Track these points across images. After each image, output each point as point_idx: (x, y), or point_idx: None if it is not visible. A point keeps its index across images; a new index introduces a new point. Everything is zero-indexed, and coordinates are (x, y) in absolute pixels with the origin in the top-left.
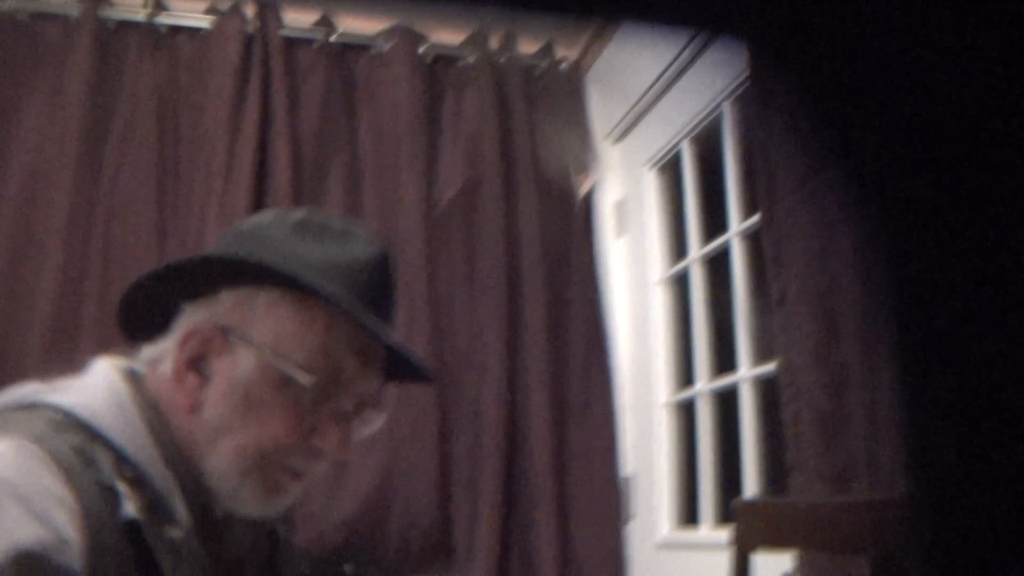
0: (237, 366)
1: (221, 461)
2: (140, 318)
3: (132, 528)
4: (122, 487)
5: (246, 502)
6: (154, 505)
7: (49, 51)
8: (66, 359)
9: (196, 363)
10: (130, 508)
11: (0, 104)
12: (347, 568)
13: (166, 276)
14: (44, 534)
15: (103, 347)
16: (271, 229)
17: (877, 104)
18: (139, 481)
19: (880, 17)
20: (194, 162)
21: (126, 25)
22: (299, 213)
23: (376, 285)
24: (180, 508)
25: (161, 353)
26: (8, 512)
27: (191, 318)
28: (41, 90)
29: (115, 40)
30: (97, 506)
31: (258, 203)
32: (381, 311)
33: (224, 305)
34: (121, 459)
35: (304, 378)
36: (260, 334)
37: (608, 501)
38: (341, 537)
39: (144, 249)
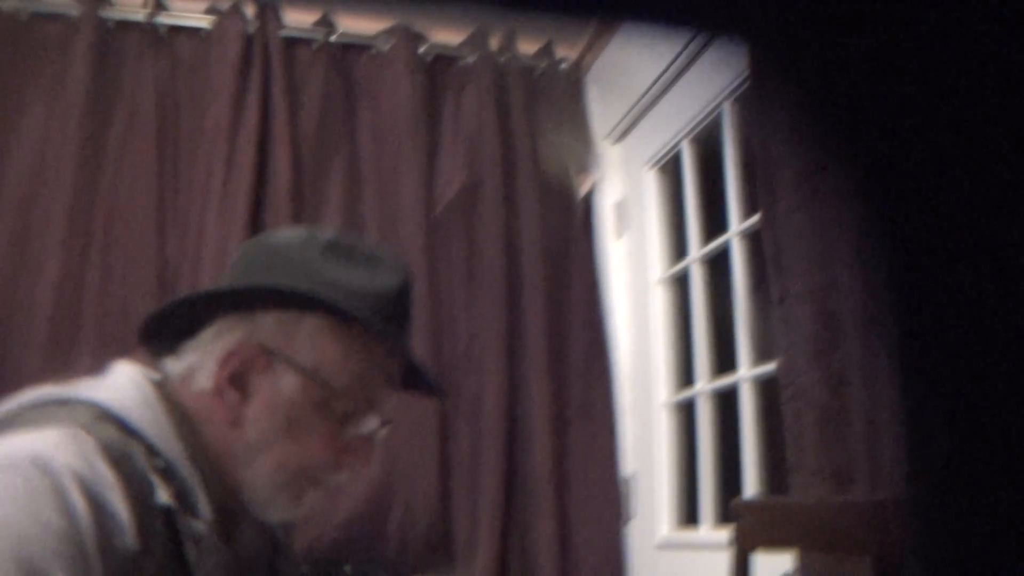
0: (279, 386)
1: (260, 474)
2: (162, 328)
3: (166, 515)
4: (154, 478)
5: (275, 510)
6: (180, 497)
7: (49, 51)
8: (66, 359)
9: (236, 380)
10: (163, 496)
11: (0, 104)
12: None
13: (207, 298)
14: (104, 517)
15: (103, 347)
16: (303, 251)
17: (877, 104)
18: (168, 473)
19: (880, 17)
20: (194, 162)
21: (126, 25)
22: (327, 234)
23: (402, 311)
24: (203, 503)
25: (192, 366)
26: (73, 496)
27: (229, 335)
28: (41, 90)
29: (115, 40)
30: (141, 492)
31: (258, 203)
32: (405, 333)
33: (266, 326)
34: (151, 452)
35: (343, 402)
36: (303, 358)
37: (608, 501)
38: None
39: (144, 249)
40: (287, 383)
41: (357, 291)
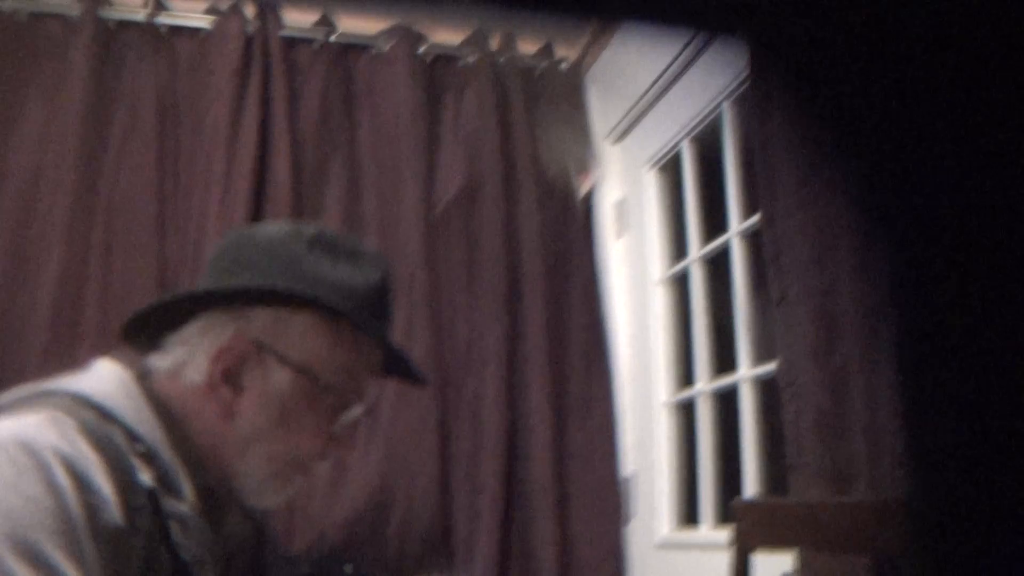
0: (271, 381)
1: (252, 464)
2: (144, 323)
3: (149, 495)
4: (135, 461)
5: (264, 497)
6: (163, 481)
7: (49, 51)
8: (66, 359)
9: (229, 375)
10: (145, 478)
11: (0, 104)
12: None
13: (194, 296)
14: (89, 494)
15: (103, 347)
16: (289, 246)
17: (876, 104)
18: (149, 457)
19: (879, 18)
20: (194, 162)
21: (126, 25)
22: (310, 229)
23: (385, 303)
24: (186, 487)
25: (180, 361)
26: (58, 473)
27: (220, 331)
28: (41, 90)
29: (115, 40)
30: (122, 471)
31: (258, 203)
32: (389, 325)
33: (257, 322)
34: (132, 437)
35: (332, 395)
36: (295, 354)
37: (608, 501)
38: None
39: (144, 249)
40: (279, 378)
41: (344, 287)
